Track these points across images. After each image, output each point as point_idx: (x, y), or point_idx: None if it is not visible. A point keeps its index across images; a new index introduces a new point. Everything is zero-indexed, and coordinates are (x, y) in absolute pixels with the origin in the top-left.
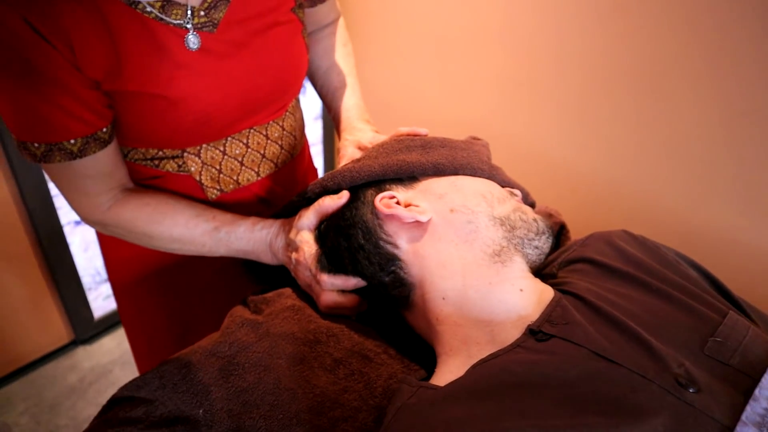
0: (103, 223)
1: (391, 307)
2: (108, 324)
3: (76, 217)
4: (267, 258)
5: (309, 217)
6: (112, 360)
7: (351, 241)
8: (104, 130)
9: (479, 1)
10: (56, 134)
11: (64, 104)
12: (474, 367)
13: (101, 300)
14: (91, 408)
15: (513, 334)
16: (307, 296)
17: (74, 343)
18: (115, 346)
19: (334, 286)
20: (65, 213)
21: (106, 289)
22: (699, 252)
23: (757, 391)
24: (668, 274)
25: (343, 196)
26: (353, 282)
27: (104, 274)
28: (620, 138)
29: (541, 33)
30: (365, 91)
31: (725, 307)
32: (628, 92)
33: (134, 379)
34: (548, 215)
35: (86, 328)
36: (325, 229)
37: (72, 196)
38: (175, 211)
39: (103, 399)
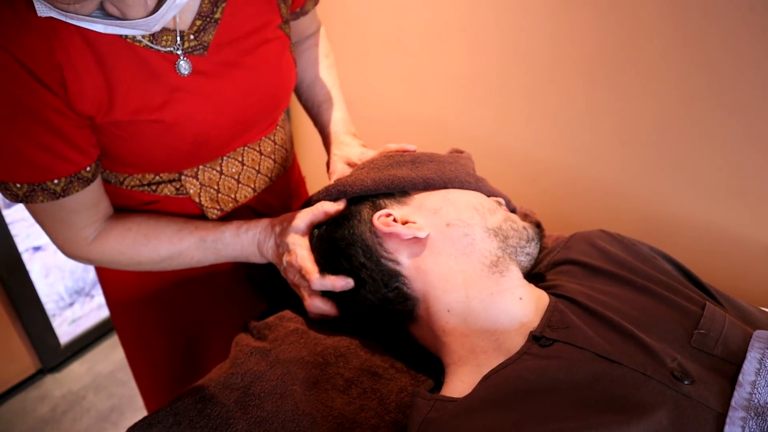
0: (88, 258)
1: (396, 321)
2: (75, 349)
3: (35, 243)
4: (256, 258)
5: (302, 219)
6: (84, 386)
7: (352, 260)
8: (88, 169)
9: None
10: (39, 175)
11: (50, 144)
12: (486, 378)
13: (66, 325)
14: None
15: (517, 341)
16: (307, 317)
17: (41, 372)
18: (86, 371)
19: (324, 287)
20: (22, 239)
21: (71, 313)
22: (657, 233)
23: (740, 377)
24: (647, 270)
25: (342, 203)
26: (341, 283)
27: (68, 299)
28: (580, 129)
29: (501, 28)
30: None
31: (701, 298)
32: (582, 82)
33: (145, 417)
34: (524, 215)
35: (53, 356)
36: (322, 247)
37: (55, 232)
38: (157, 230)
39: (81, 427)
